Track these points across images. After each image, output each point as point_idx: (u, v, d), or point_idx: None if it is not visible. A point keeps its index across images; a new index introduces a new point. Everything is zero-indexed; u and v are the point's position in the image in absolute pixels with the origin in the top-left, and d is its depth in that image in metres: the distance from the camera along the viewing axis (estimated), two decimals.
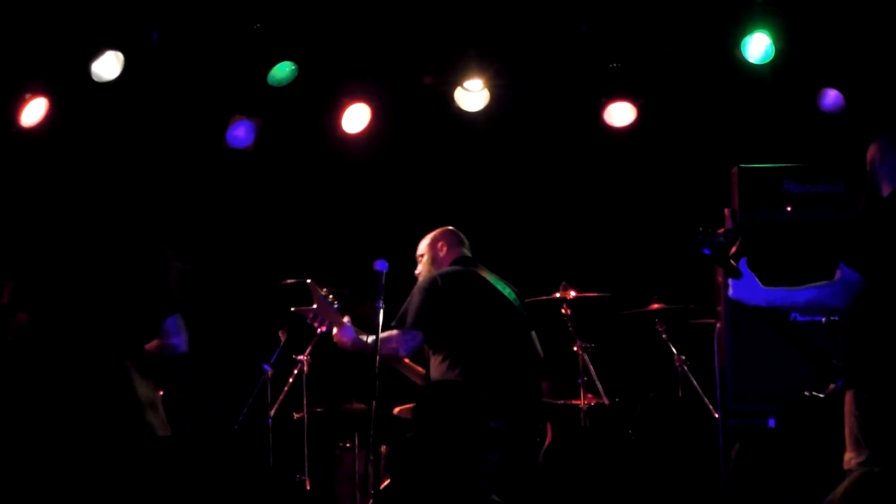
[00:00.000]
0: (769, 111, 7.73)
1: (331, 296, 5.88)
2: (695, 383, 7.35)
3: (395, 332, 5.75)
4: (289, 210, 8.58)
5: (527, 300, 7.60)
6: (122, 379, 4.95)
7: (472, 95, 7.69)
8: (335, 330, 5.86)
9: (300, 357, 7.10)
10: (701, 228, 5.15)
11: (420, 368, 6.39)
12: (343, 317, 5.87)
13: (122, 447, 4.80)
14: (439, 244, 6.15)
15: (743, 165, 6.82)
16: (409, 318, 5.71)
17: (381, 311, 5.58)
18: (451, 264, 6.04)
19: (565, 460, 6.72)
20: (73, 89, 7.46)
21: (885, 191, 5.05)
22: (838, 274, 4.95)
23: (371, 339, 5.74)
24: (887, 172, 5.04)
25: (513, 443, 5.65)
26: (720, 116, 7.97)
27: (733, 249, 6.37)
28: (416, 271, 6.14)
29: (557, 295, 7.45)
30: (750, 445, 4.09)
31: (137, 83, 7.48)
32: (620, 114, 7.87)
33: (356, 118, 7.89)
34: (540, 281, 7.66)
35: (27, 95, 7.43)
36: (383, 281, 5.57)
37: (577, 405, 7.38)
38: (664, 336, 7.51)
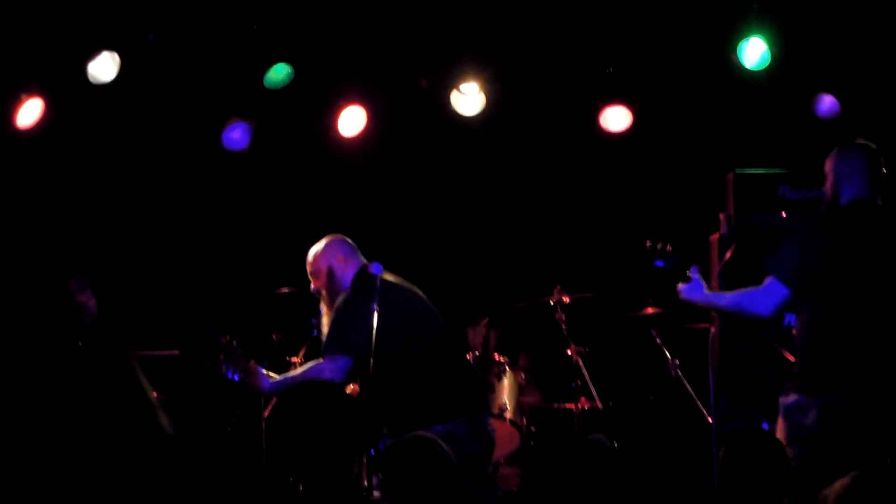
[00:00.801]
0: (765, 117, 7.75)
1: (234, 342, 5.59)
2: (689, 388, 7.32)
3: (322, 360, 5.50)
4: (284, 213, 8.58)
5: (522, 303, 7.66)
6: (135, 380, 4.97)
7: (468, 99, 7.69)
8: (248, 378, 5.59)
9: (293, 359, 7.08)
10: (649, 243, 5.55)
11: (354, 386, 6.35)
12: (249, 361, 5.60)
13: (140, 447, 4.81)
14: (337, 256, 5.77)
15: (738, 171, 6.87)
16: (337, 344, 5.47)
17: (376, 315, 5.37)
18: (354, 276, 5.71)
19: (556, 464, 6.71)
20: (68, 90, 7.45)
21: (844, 200, 5.20)
22: (765, 281, 5.16)
23: (294, 376, 5.60)
24: (850, 184, 5.20)
25: (465, 441, 5.47)
26: (716, 121, 7.99)
27: (728, 255, 6.45)
28: (312, 288, 5.80)
29: (552, 301, 7.46)
30: (735, 447, 4.12)
31: (133, 85, 7.47)
32: (616, 118, 7.86)
33: (352, 121, 7.87)
34: (534, 284, 7.69)
35: (23, 96, 7.40)
36: (378, 284, 5.41)
37: (571, 409, 7.39)
38: (658, 340, 7.47)
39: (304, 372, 5.54)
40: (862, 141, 5.33)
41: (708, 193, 7.32)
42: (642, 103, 7.83)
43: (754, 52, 7.22)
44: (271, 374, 5.64)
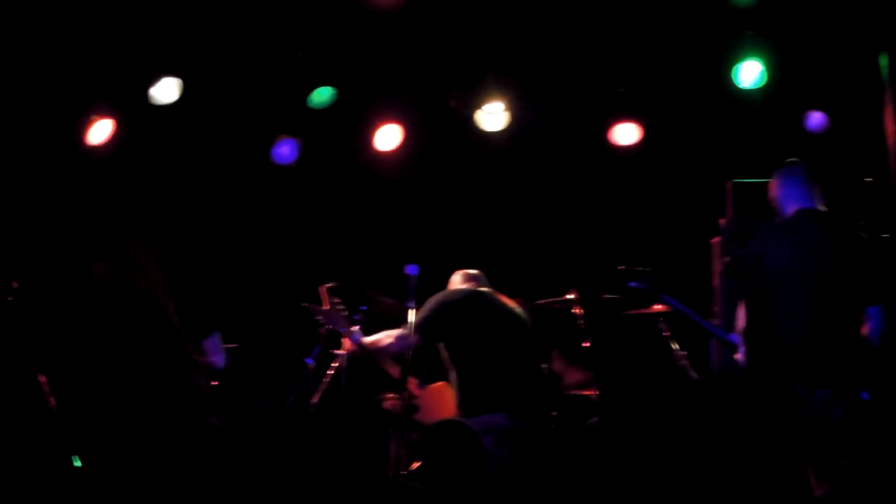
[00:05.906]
0: (760, 131, 8.06)
1: (340, 304, 6.19)
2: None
3: (398, 331, 6.07)
4: (328, 219, 8.89)
5: (541, 301, 7.84)
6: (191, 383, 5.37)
7: (493, 117, 8.13)
8: (344, 339, 6.27)
9: (339, 352, 7.19)
10: (620, 268, 6.11)
11: (396, 367, 6.90)
12: (352, 326, 6.23)
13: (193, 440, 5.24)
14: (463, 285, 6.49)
15: (737, 180, 7.26)
16: (415, 322, 6.01)
17: (412, 312, 5.95)
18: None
19: (573, 451, 7.07)
20: (134, 111, 7.87)
21: (788, 212, 5.78)
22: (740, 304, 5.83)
23: (372, 338, 6.18)
24: (792, 199, 5.81)
25: (529, 440, 5.97)
26: (717, 136, 8.29)
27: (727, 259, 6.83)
28: None
29: (569, 296, 7.67)
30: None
31: (192, 106, 7.90)
32: (626, 133, 8.35)
33: (388, 137, 8.33)
34: (553, 284, 7.91)
35: (93, 117, 7.86)
36: (414, 283, 5.95)
37: (588, 396, 7.64)
38: (666, 334, 7.74)
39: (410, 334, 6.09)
40: (796, 160, 5.85)
41: (709, 200, 7.62)
42: (650, 120, 8.26)
43: (750, 73, 7.68)
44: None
